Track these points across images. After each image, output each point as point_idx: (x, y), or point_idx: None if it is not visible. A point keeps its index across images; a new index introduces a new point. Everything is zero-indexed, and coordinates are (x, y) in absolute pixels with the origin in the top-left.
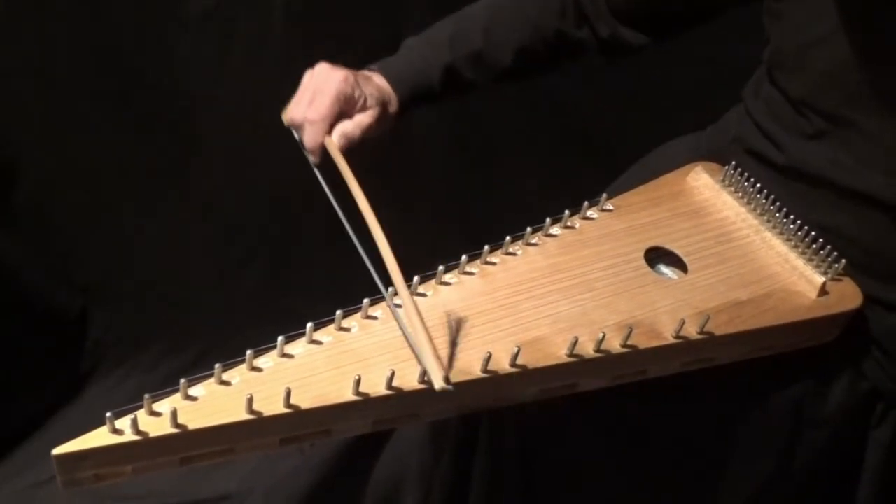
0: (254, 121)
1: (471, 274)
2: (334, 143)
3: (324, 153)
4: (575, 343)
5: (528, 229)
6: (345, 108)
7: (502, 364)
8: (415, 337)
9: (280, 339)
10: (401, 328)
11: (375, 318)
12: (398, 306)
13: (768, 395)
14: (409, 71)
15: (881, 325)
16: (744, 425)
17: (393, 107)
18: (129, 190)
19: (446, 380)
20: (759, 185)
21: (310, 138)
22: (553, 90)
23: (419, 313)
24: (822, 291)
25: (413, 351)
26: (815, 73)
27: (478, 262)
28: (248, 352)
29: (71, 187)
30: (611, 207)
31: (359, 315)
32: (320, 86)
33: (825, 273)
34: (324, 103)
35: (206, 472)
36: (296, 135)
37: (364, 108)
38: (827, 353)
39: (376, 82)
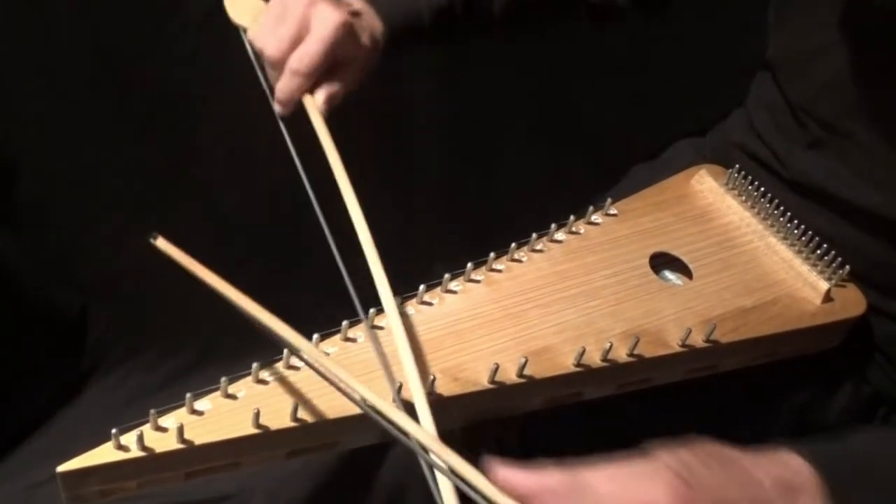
0: (254, 121)
1: (476, 282)
2: (316, 105)
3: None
4: (582, 353)
5: (534, 235)
6: (336, 61)
7: (510, 374)
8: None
9: (286, 350)
10: (375, 348)
11: (382, 328)
12: (378, 328)
13: (771, 399)
14: (399, 9)
15: (884, 331)
16: (747, 430)
17: (379, 47)
18: (129, 189)
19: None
20: (762, 188)
21: (286, 90)
22: (554, 89)
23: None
24: (827, 298)
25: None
26: (816, 81)
27: (483, 269)
28: (254, 364)
29: (71, 187)
30: (615, 212)
31: (364, 325)
32: (314, 23)
33: (829, 279)
34: (316, 53)
35: None
36: (248, 45)
37: (354, 60)
38: (830, 357)
39: (368, 21)
